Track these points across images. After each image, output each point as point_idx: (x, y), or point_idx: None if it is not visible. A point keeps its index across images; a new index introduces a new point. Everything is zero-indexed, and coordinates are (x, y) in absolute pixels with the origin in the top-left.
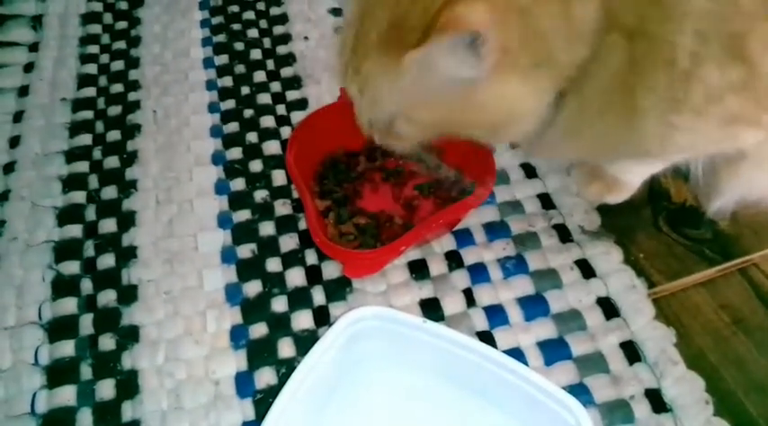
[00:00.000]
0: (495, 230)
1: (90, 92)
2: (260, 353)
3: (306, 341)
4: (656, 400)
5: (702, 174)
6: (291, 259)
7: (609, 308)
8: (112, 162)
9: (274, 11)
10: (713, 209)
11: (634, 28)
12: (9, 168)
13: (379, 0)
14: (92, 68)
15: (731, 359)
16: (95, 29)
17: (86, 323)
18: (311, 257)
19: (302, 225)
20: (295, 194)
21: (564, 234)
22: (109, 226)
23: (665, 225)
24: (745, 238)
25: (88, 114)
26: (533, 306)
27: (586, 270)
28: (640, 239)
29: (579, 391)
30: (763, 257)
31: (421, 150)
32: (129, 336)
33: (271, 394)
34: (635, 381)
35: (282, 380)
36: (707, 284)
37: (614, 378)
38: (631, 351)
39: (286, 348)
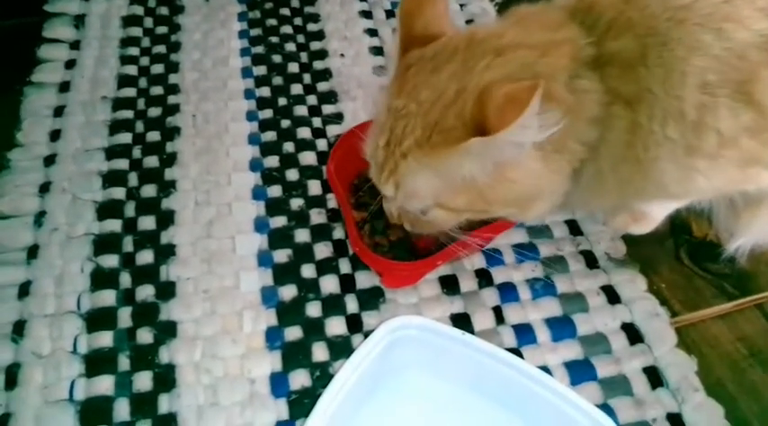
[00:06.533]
0: (525, 252)
1: (130, 92)
2: (295, 355)
3: (339, 347)
4: (678, 424)
5: (724, 214)
6: (326, 266)
7: (633, 334)
8: (152, 161)
9: (311, 27)
10: (732, 248)
11: (633, 96)
12: (50, 160)
13: (404, 114)
14: (132, 70)
15: (747, 390)
16: (136, 31)
17: (125, 316)
18: (345, 266)
19: (336, 234)
20: (330, 204)
21: (591, 260)
22: (148, 223)
23: (686, 257)
24: (762, 275)
25: (128, 114)
26: (561, 327)
27: (612, 295)
28: (662, 270)
29: (603, 411)
30: None
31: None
32: (167, 331)
33: (305, 395)
34: (657, 405)
35: (317, 383)
36: (725, 317)
37: (637, 401)
38: (654, 376)
39: (320, 352)
